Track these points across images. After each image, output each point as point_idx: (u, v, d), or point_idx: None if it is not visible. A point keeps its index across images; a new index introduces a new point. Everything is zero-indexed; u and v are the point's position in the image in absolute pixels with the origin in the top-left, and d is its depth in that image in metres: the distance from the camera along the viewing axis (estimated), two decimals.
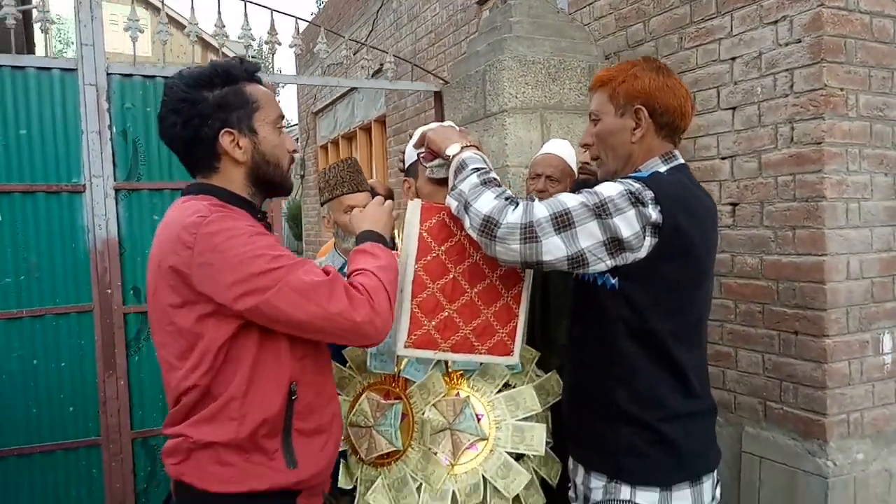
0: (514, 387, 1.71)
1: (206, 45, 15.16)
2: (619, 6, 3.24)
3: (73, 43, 19.18)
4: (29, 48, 8.19)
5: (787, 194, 2.46)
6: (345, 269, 1.75)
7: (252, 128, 1.35)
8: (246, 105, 1.34)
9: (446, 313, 1.51)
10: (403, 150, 1.84)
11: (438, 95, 3.37)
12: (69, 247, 2.74)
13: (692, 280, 1.44)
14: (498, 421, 1.64)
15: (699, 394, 1.47)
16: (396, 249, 1.76)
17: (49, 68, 2.70)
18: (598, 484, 1.46)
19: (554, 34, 2.97)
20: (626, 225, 1.33)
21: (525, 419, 1.67)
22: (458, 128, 1.70)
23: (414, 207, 1.52)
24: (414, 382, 1.62)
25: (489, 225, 1.35)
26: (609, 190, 1.36)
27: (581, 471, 1.53)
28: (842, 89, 2.35)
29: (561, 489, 1.74)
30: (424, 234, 1.51)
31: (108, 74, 2.75)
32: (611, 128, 1.49)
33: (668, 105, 1.46)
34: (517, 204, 1.37)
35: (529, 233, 1.33)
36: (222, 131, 1.32)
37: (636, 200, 1.34)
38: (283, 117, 1.43)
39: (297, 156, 1.50)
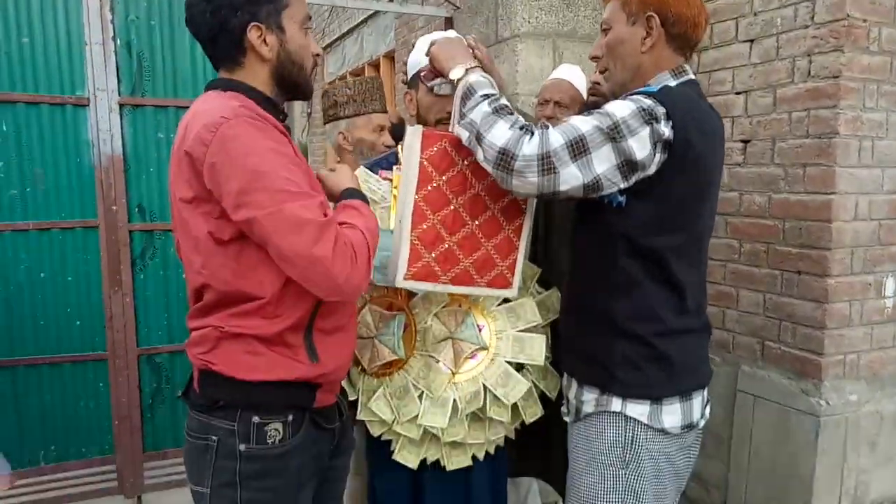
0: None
1: None
2: None
3: None
4: None
5: (800, 130, 2.41)
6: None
7: (280, 25, 1.32)
8: (276, 1, 1.31)
9: (446, 245, 1.50)
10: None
11: (449, 21, 3.29)
12: (74, 161, 2.74)
13: (698, 196, 1.42)
14: (498, 331, 1.66)
15: (695, 311, 1.48)
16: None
17: None
18: (589, 396, 1.48)
19: None
20: (640, 146, 1.30)
21: (525, 331, 1.68)
22: (466, 40, 1.66)
23: (414, 133, 1.47)
24: (416, 294, 1.63)
25: (505, 158, 1.30)
26: (621, 109, 1.31)
27: (574, 384, 1.54)
28: (865, 20, 2.27)
29: (559, 404, 1.77)
30: (425, 163, 1.47)
31: None
32: (621, 36, 1.45)
33: (682, 14, 1.42)
34: (532, 133, 1.31)
35: (547, 164, 1.29)
36: (251, 24, 1.29)
37: (649, 117, 1.31)
38: (310, 18, 1.39)
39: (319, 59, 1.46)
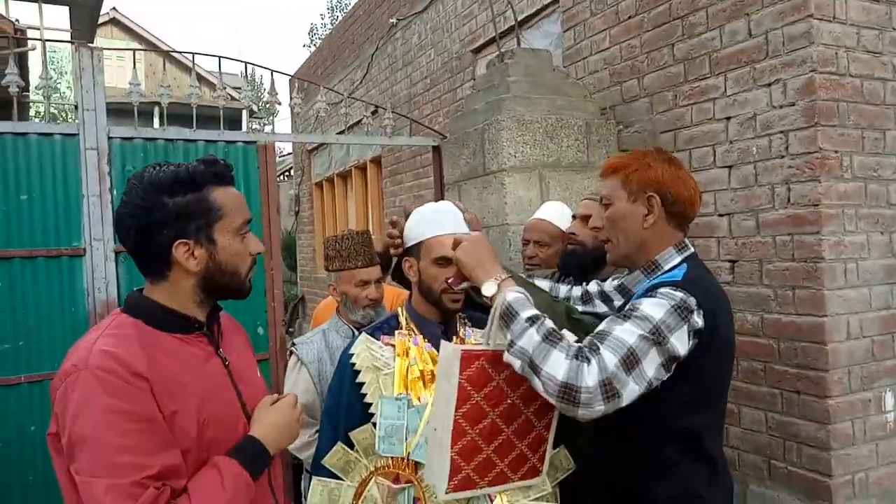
0: None
1: (200, 78, 15.31)
2: (613, 62, 3.29)
3: (65, 72, 19.26)
4: (20, 115, 8.24)
5: (785, 254, 2.48)
6: (351, 347, 1.76)
7: (211, 237, 1.30)
8: (207, 214, 1.29)
9: (484, 455, 1.51)
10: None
11: (437, 150, 3.41)
12: (69, 311, 2.73)
13: (724, 373, 1.48)
14: (511, 502, 1.63)
15: (723, 473, 1.52)
16: (400, 328, 1.76)
17: (50, 133, 2.71)
18: None
19: (550, 92, 3.01)
20: (680, 343, 1.36)
21: (536, 499, 1.65)
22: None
23: (453, 356, 1.47)
24: (424, 465, 1.61)
25: (569, 392, 1.30)
26: (657, 310, 1.35)
27: None
28: (836, 152, 2.39)
29: None
30: (464, 383, 1.47)
31: (108, 138, 2.77)
32: (623, 212, 1.54)
33: (680, 195, 1.52)
34: (588, 359, 1.32)
35: (610, 390, 1.30)
36: (177, 241, 1.26)
37: (686, 313, 1.36)
38: (249, 221, 1.37)
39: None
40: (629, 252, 1.57)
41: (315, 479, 1.65)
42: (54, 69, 18.88)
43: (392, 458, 1.63)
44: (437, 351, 1.75)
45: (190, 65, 3.01)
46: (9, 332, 2.65)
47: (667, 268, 1.53)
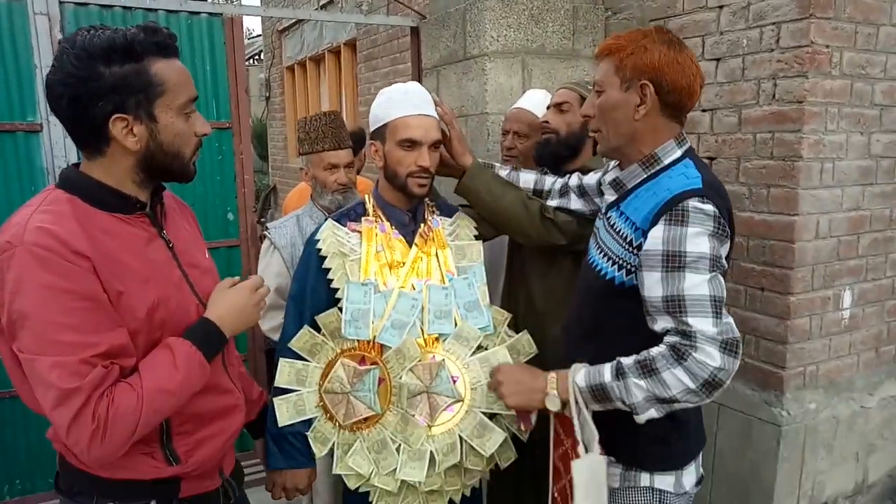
0: (486, 348, 1.73)
1: None
2: None
3: None
4: None
5: (764, 152, 2.46)
6: (317, 233, 1.73)
7: (152, 114, 1.21)
8: (148, 88, 1.19)
9: None
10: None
11: (415, 31, 3.23)
12: (28, 188, 2.62)
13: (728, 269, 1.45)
14: (473, 383, 1.67)
15: None
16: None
17: None
18: (613, 470, 1.49)
19: None
20: (724, 253, 1.35)
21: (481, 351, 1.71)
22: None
23: (599, 465, 1.39)
24: (390, 347, 1.63)
25: (711, 385, 1.28)
26: (703, 243, 1.29)
27: None
28: (827, 46, 2.32)
29: (531, 444, 1.81)
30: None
31: (60, 3, 2.55)
32: (614, 102, 1.43)
33: (677, 83, 1.39)
34: (692, 347, 1.27)
35: (731, 346, 1.28)
36: (114, 117, 1.18)
37: (723, 230, 1.33)
38: (194, 99, 1.28)
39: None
40: (619, 144, 1.47)
41: (282, 360, 1.67)
42: None
43: (358, 340, 1.65)
44: (405, 238, 1.74)
45: None
46: None
47: (667, 162, 1.43)
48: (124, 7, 2.66)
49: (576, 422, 1.38)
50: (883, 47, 2.46)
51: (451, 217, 1.87)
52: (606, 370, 1.35)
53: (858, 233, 2.58)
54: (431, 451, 1.61)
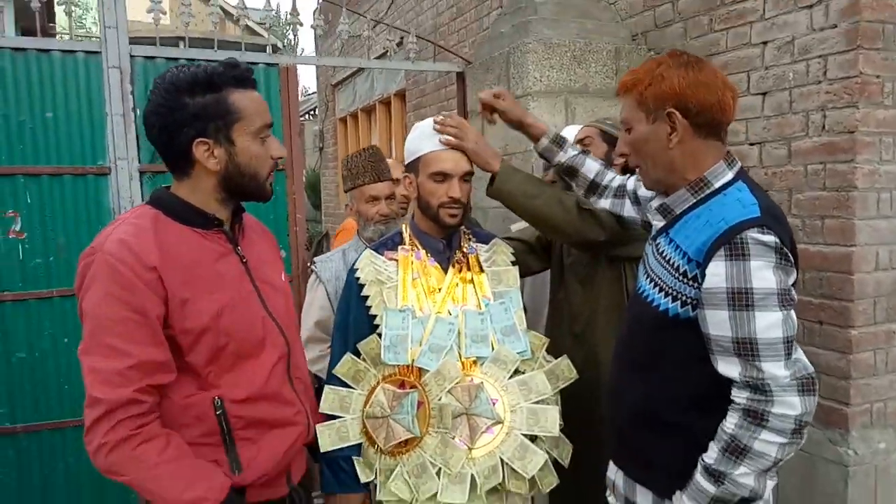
0: (524, 373, 1.72)
1: (228, 18, 15.10)
2: None
3: (91, 29, 19.09)
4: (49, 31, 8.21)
5: (816, 183, 2.42)
6: (356, 263, 1.78)
7: (230, 138, 1.33)
8: (226, 115, 1.32)
9: None
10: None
11: (461, 75, 3.34)
12: (96, 228, 2.76)
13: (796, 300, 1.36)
14: (512, 405, 1.66)
15: None
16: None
17: (73, 51, 2.70)
18: (643, 500, 1.45)
19: (580, 15, 2.92)
20: (791, 283, 1.27)
21: (538, 402, 1.68)
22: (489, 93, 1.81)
23: None
24: (428, 371, 1.64)
25: (797, 433, 1.23)
26: (768, 277, 1.22)
27: (626, 478, 1.51)
28: (878, 77, 2.29)
29: (570, 470, 1.77)
30: None
31: (131, 57, 2.75)
32: (644, 136, 1.38)
33: (704, 102, 1.33)
34: (768, 401, 1.21)
35: (807, 386, 1.23)
36: (196, 140, 1.31)
37: (787, 260, 1.25)
38: (269, 126, 1.39)
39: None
40: (661, 177, 1.41)
41: (327, 387, 1.70)
42: (77, 5, 18.74)
43: (398, 366, 1.66)
44: (440, 265, 1.78)
45: None
46: (39, 247, 2.71)
47: (718, 185, 1.35)
48: (188, 59, 2.84)
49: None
50: None
51: (487, 244, 1.89)
52: (704, 482, 1.27)
53: None
54: (472, 474, 1.59)
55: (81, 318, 1.28)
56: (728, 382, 1.28)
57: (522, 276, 1.91)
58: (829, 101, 2.36)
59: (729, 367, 1.27)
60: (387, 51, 5.21)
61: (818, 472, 2.44)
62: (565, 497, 1.97)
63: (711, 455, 1.28)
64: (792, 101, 2.49)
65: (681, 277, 1.33)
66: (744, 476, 1.24)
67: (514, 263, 1.87)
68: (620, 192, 1.79)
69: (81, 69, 2.71)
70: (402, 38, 3.27)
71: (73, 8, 2.72)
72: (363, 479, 1.67)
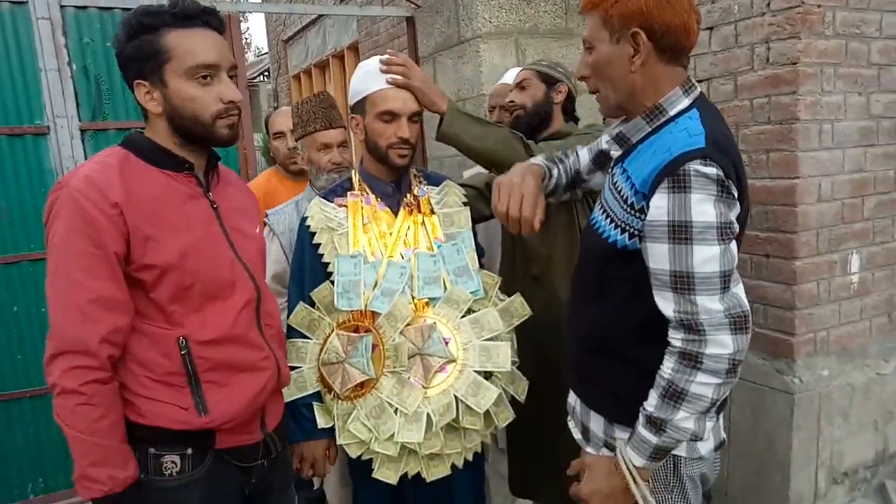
0: (477, 312, 1.74)
1: None
2: None
3: None
4: None
5: (761, 117, 2.45)
6: (305, 214, 1.77)
7: (163, 79, 1.32)
8: (156, 56, 1.30)
9: None
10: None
11: (411, 21, 3.27)
12: (38, 190, 2.69)
13: (742, 227, 1.34)
14: (465, 343, 1.68)
15: None
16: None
17: None
18: (623, 435, 1.44)
19: None
20: (734, 217, 1.24)
21: (490, 339, 1.71)
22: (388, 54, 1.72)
23: None
24: (381, 314, 1.65)
25: (732, 371, 1.24)
26: (708, 210, 1.20)
27: (598, 419, 1.50)
28: (819, 6, 2.31)
29: (529, 407, 1.81)
30: None
31: (61, 7, 2.62)
32: (607, 57, 1.32)
33: (670, 23, 1.27)
34: (701, 340, 1.22)
35: (739, 322, 1.23)
36: (135, 83, 1.34)
37: (729, 193, 1.22)
38: (209, 65, 1.32)
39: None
40: (620, 101, 1.36)
41: (286, 340, 1.70)
42: None
43: (351, 311, 1.67)
44: (390, 209, 1.77)
45: None
46: None
47: (673, 112, 1.32)
48: (123, 9, 2.72)
49: (641, 497, 1.34)
50: (877, 6, 2.44)
51: (438, 186, 1.88)
52: (646, 433, 1.29)
53: (863, 195, 2.55)
54: (428, 413, 1.62)
55: (47, 253, 1.30)
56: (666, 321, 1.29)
57: (474, 221, 1.91)
58: (772, 34, 2.37)
59: (665, 304, 1.27)
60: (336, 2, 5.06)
61: (766, 402, 2.54)
62: (523, 432, 2.02)
63: (651, 402, 1.29)
64: (738, 35, 2.50)
65: (628, 209, 1.31)
66: (684, 420, 1.26)
67: (465, 205, 1.87)
68: (602, 159, 1.67)
69: (8, 21, 2.58)
70: None
71: None
72: (322, 424, 1.69)
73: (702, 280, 1.21)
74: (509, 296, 1.83)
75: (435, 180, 1.91)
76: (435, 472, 1.69)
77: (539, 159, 1.64)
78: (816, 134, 2.38)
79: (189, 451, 1.37)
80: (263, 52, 13.68)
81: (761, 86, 2.43)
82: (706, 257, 1.20)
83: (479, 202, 2.04)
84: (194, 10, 1.33)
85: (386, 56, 1.74)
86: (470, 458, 1.74)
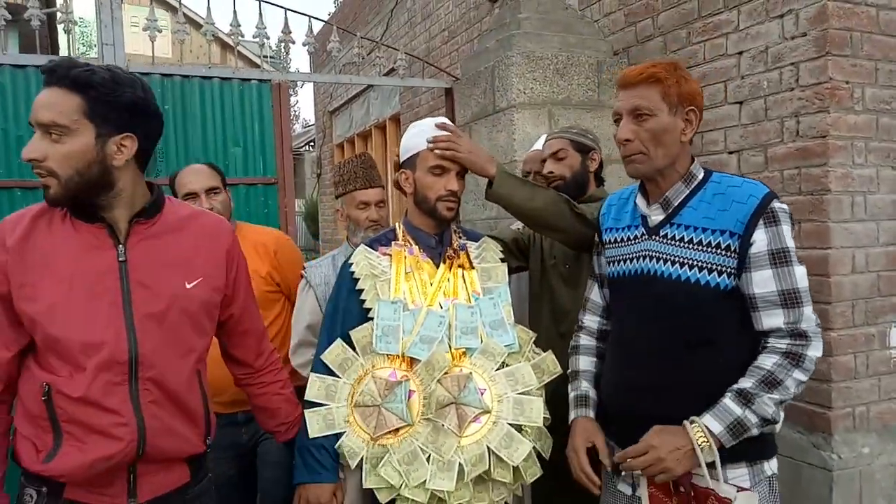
0: (511, 366, 1.76)
1: (223, 45, 15.39)
2: (627, 2, 3.26)
3: (94, 45, 19.43)
4: (53, 50, 8.39)
5: (792, 188, 2.47)
6: (350, 258, 1.82)
7: None
8: None
9: None
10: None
11: (449, 92, 3.42)
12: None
13: None
14: (499, 395, 1.69)
15: None
16: None
17: None
18: (737, 472, 1.49)
19: (562, 30, 3.01)
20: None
21: (523, 394, 1.72)
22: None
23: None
24: (418, 361, 1.68)
25: (814, 370, 1.46)
26: (791, 238, 1.46)
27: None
28: (847, 82, 2.36)
29: (552, 466, 1.79)
30: None
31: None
32: (665, 126, 1.52)
33: (702, 109, 1.57)
34: (806, 343, 1.43)
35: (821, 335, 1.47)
36: None
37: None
38: (33, 124, 1.32)
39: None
40: (664, 165, 1.55)
41: (313, 374, 1.73)
42: (82, 43, 19.10)
43: (388, 356, 1.70)
44: (432, 261, 1.82)
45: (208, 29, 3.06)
46: None
47: (700, 176, 1.57)
48: (183, 76, 2.93)
49: (709, 470, 1.41)
50: None
51: (476, 241, 1.94)
52: (731, 404, 1.42)
53: None
54: (460, 462, 1.62)
55: None
56: (764, 335, 1.48)
57: None
58: (801, 107, 2.42)
59: (773, 319, 1.46)
60: (381, 73, 5.33)
61: (803, 477, 2.44)
62: (546, 491, 1.99)
63: (745, 383, 1.42)
64: (767, 109, 2.56)
65: (724, 252, 1.48)
66: (770, 401, 1.40)
67: (502, 261, 1.92)
68: None
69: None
70: (395, 63, 3.36)
71: (71, 26, 2.81)
72: (352, 465, 1.68)
73: (804, 293, 1.46)
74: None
75: (473, 236, 1.97)
76: None
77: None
78: (849, 206, 2.39)
79: (44, 489, 1.37)
80: (310, 123, 14.28)
81: (792, 158, 2.47)
82: (802, 274, 1.46)
83: (506, 255, 2.08)
84: (52, 68, 1.32)
85: (440, 120, 1.83)
86: None
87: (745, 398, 1.40)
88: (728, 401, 1.42)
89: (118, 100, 1.33)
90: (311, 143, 13.90)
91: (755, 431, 1.42)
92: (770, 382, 1.40)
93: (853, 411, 2.43)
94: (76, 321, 1.33)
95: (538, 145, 2.50)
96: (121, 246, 1.39)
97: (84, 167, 1.31)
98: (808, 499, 2.42)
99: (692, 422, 1.43)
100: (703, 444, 1.41)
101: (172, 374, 1.43)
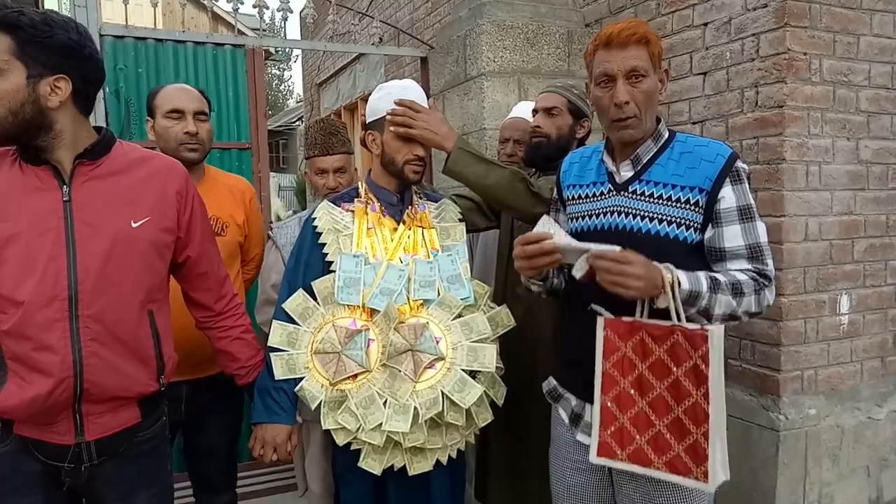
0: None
1: (215, 16, 15.23)
2: None
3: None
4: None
5: (750, 157, 2.53)
6: (314, 213, 1.88)
7: None
8: None
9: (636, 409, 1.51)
10: None
11: (425, 61, 3.45)
12: None
13: None
14: (454, 343, 1.77)
15: None
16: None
17: None
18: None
19: None
20: None
21: (477, 342, 1.79)
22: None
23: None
24: (378, 311, 1.75)
25: (759, 315, 1.52)
26: (752, 195, 1.52)
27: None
28: (805, 53, 2.41)
29: (504, 409, 1.89)
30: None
31: (100, 35, 2.86)
32: (654, 87, 1.52)
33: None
34: (768, 284, 1.49)
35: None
36: None
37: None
38: None
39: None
40: (648, 127, 1.55)
41: (275, 322, 1.79)
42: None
43: (349, 306, 1.77)
44: (393, 217, 1.88)
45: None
46: None
47: (666, 136, 1.58)
48: (157, 39, 2.95)
49: (676, 312, 1.42)
50: (865, 56, 2.54)
51: (437, 202, 2.00)
52: (703, 281, 1.44)
53: (853, 237, 2.59)
54: (415, 406, 1.69)
55: None
56: None
57: (469, 232, 2.02)
58: (760, 78, 2.48)
59: (741, 266, 1.52)
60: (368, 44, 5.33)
61: (752, 438, 2.54)
62: (496, 435, 2.07)
63: (722, 278, 1.46)
64: (729, 80, 2.61)
65: (691, 207, 1.51)
66: (725, 304, 1.45)
67: (461, 220, 1.98)
68: None
69: None
70: (381, 37, 3.38)
71: None
72: (311, 407, 1.75)
73: (766, 246, 1.53)
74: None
75: (433, 198, 2.02)
76: (418, 467, 1.75)
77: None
78: (804, 175, 2.45)
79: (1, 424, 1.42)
80: (301, 98, 14.22)
81: (750, 127, 2.53)
82: (763, 229, 1.53)
83: (476, 215, 2.13)
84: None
85: (406, 83, 1.87)
86: (454, 454, 1.80)
87: (717, 286, 1.44)
88: (702, 275, 1.44)
89: (49, 40, 1.34)
90: (300, 119, 13.84)
91: (695, 311, 1.44)
92: (737, 290, 1.45)
93: (802, 374, 2.52)
94: (19, 260, 1.36)
95: (516, 112, 2.53)
96: (65, 187, 1.41)
97: (17, 106, 1.33)
98: (755, 458, 2.52)
99: (668, 268, 1.42)
100: (672, 287, 1.44)
101: (117, 312, 1.43)
